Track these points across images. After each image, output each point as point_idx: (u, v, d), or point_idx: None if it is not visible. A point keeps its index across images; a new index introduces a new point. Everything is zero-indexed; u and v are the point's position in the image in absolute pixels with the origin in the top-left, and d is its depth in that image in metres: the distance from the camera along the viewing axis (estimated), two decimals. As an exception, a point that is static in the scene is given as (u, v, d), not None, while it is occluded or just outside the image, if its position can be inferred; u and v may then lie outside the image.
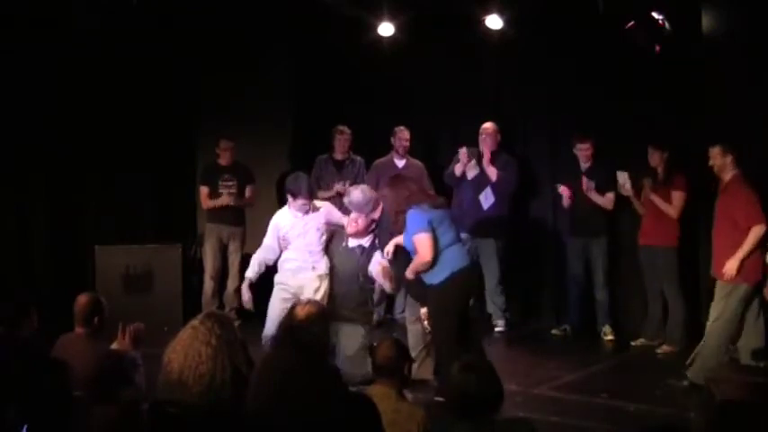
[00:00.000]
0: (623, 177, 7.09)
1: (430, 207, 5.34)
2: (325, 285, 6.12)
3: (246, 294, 6.06)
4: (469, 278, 5.45)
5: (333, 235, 6.24)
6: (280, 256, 6.21)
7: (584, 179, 7.35)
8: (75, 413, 3.42)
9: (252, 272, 6.14)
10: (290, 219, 6.24)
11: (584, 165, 7.48)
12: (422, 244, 5.25)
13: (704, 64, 6.89)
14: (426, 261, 5.26)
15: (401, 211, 5.40)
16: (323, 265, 6.17)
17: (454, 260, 5.31)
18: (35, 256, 7.58)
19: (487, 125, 7.62)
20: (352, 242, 6.09)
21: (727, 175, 5.92)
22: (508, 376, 5.44)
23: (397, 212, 5.47)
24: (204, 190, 7.98)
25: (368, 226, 6.03)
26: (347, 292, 6.02)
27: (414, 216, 5.30)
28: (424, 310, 5.71)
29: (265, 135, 8.01)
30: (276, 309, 5.94)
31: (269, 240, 6.26)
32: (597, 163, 7.45)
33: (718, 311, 5.84)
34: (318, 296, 5.95)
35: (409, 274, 5.44)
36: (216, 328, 3.65)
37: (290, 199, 6.19)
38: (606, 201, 7.36)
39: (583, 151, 7.44)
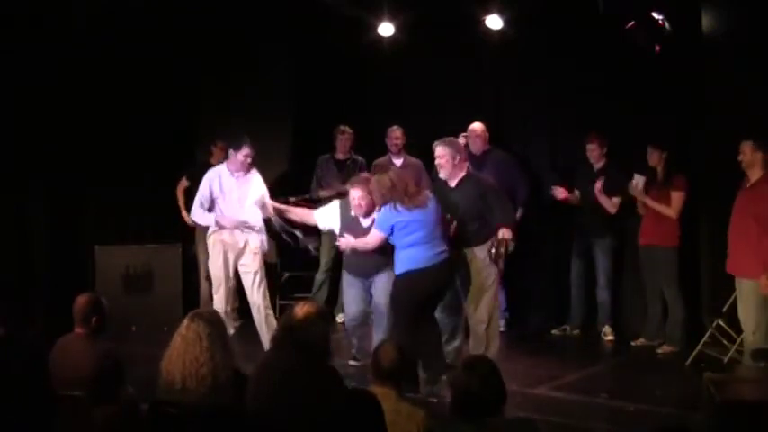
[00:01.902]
0: (638, 179, 6.99)
1: (404, 207, 5.55)
2: (258, 261, 6.34)
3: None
4: (425, 279, 5.59)
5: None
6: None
7: (597, 183, 7.30)
8: (75, 413, 3.42)
9: (209, 219, 6.32)
10: (228, 179, 6.34)
11: (597, 165, 7.44)
12: (373, 237, 5.76)
13: (704, 64, 6.89)
14: (367, 247, 5.80)
15: (381, 203, 5.67)
16: (257, 240, 6.32)
17: (414, 260, 5.57)
18: (35, 256, 7.57)
19: (475, 126, 7.53)
20: (365, 221, 6.07)
21: (756, 173, 5.84)
22: (508, 376, 5.44)
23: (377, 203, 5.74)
24: (183, 183, 7.96)
25: (371, 205, 6.01)
26: (375, 253, 5.93)
27: (384, 214, 5.65)
28: (502, 232, 5.86)
29: (265, 135, 8.00)
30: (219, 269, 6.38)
31: (203, 194, 6.37)
32: (609, 165, 7.40)
33: (755, 322, 5.78)
34: (256, 265, 6.28)
35: (346, 245, 5.93)
36: (203, 327, 3.67)
37: (231, 155, 6.29)
38: (610, 204, 7.33)
39: (590, 151, 7.43)
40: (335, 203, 6.31)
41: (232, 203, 6.36)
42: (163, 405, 3.57)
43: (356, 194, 6.00)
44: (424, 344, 5.64)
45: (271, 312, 6.43)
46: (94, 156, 7.84)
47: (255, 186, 6.39)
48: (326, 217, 6.30)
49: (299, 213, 6.41)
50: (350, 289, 6.29)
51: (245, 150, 6.26)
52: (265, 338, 6.34)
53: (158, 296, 7.73)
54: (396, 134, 7.77)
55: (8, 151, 7.29)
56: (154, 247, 7.92)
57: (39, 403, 3.29)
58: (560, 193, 7.44)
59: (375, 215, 5.97)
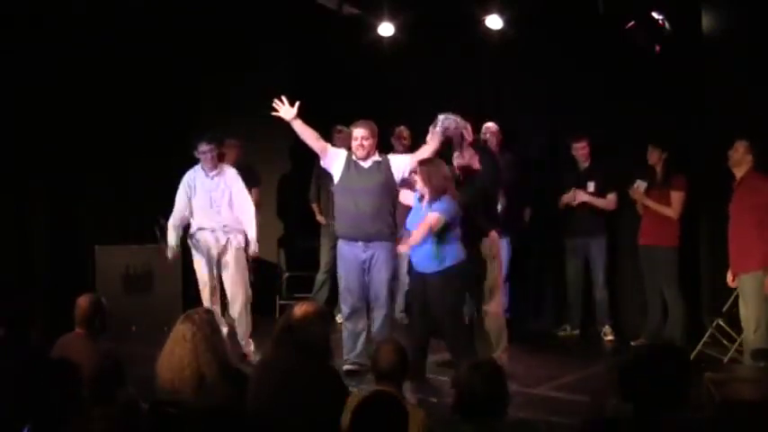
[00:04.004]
0: (640, 184, 6.99)
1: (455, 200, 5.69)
2: (240, 260, 6.36)
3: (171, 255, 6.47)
4: (466, 272, 5.76)
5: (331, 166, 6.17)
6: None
7: (578, 192, 7.38)
8: (76, 413, 3.43)
9: (172, 238, 6.42)
10: (202, 178, 6.40)
11: (583, 165, 7.49)
12: (434, 221, 5.58)
13: (704, 64, 6.89)
14: (428, 228, 5.57)
15: (436, 188, 5.61)
16: (240, 238, 6.38)
17: (458, 254, 5.68)
18: (35, 256, 7.58)
19: (491, 124, 7.54)
20: (365, 163, 6.03)
21: (741, 170, 5.92)
22: (508, 376, 5.44)
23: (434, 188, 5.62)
24: None
25: (373, 147, 6.01)
26: (375, 208, 5.89)
27: (447, 204, 5.62)
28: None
29: (265, 135, 8.00)
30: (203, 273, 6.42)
31: (180, 202, 6.43)
32: (596, 163, 7.45)
33: (756, 321, 5.80)
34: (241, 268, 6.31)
35: (410, 241, 5.72)
36: (188, 329, 3.69)
37: (196, 155, 6.38)
38: (608, 202, 7.36)
39: (579, 150, 7.47)
40: (344, 152, 6.16)
41: (207, 205, 6.41)
42: (163, 405, 3.58)
43: (359, 134, 5.98)
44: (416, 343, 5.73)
45: (246, 311, 6.41)
46: (94, 156, 7.84)
47: (230, 184, 6.44)
48: (335, 157, 6.14)
49: (307, 131, 6.21)
50: (347, 269, 6.07)
51: (202, 147, 6.34)
52: (240, 336, 6.40)
53: (158, 296, 7.72)
54: (404, 134, 7.77)
55: (8, 151, 7.29)
56: (154, 247, 7.87)
57: (51, 405, 3.30)
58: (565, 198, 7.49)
59: (375, 157, 5.98)
